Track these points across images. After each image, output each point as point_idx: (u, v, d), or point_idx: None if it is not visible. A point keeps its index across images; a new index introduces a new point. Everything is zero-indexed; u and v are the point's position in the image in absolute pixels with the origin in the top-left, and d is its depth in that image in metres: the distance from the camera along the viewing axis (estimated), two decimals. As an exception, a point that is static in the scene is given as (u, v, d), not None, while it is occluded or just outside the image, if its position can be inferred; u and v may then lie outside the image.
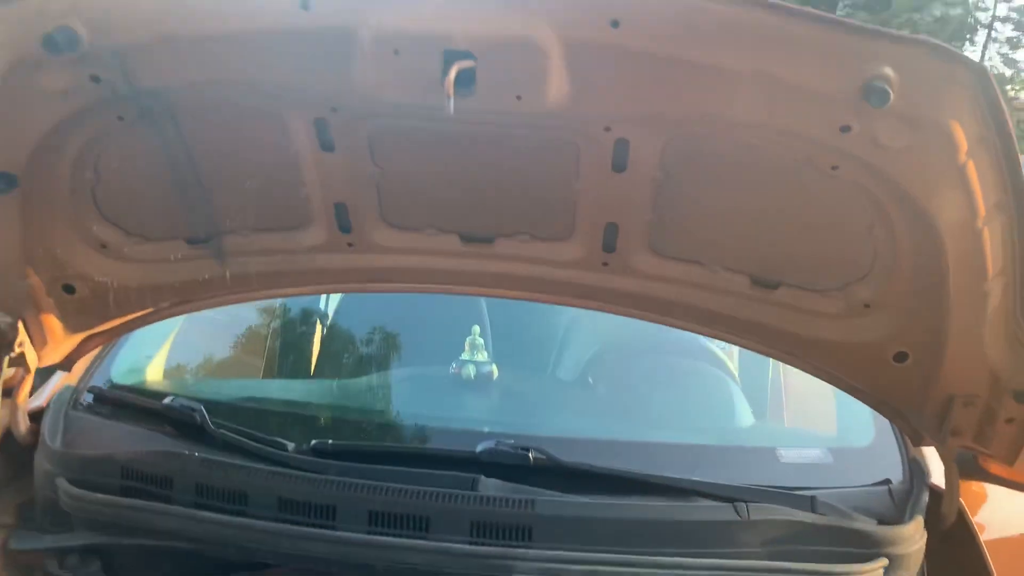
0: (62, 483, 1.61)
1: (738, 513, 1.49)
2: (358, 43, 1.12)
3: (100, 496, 1.57)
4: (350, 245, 1.55)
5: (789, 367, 1.89)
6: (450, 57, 1.11)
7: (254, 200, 1.50)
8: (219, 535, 1.49)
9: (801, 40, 1.08)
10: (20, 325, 1.57)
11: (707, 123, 1.22)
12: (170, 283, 1.62)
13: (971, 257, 1.27)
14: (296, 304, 2.32)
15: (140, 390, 1.96)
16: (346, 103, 1.27)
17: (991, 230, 1.24)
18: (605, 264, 1.52)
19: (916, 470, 1.73)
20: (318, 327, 2.30)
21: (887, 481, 1.71)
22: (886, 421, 1.80)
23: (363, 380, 2.13)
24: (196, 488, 1.54)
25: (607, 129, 1.27)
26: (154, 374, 2.10)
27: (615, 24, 1.08)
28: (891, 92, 1.07)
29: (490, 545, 1.44)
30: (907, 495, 1.67)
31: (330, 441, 1.66)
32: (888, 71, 1.07)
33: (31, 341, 1.60)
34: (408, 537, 1.45)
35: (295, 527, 1.46)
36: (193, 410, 1.70)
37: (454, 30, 1.10)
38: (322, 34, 1.13)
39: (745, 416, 2.00)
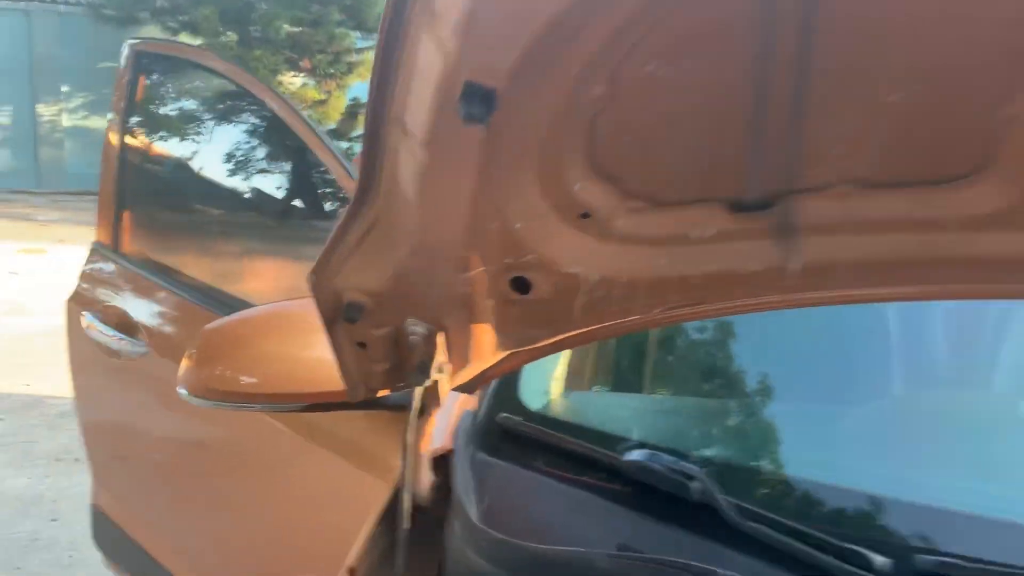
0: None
1: None
2: None
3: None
4: None
5: None
6: None
7: (892, 124, 0.77)
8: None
9: None
10: (440, 340, 1.18)
11: None
12: (682, 276, 0.95)
13: None
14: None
15: (573, 425, 1.45)
16: None
17: None
18: None
19: None
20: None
21: None
22: None
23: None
24: None
25: None
26: (572, 399, 1.55)
27: None
28: None
29: None
30: None
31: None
32: None
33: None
34: None
35: None
36: (691, 477, 1.14)
37: None
38: None
39: None
